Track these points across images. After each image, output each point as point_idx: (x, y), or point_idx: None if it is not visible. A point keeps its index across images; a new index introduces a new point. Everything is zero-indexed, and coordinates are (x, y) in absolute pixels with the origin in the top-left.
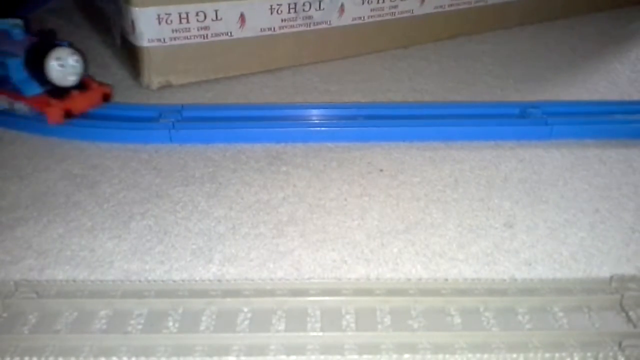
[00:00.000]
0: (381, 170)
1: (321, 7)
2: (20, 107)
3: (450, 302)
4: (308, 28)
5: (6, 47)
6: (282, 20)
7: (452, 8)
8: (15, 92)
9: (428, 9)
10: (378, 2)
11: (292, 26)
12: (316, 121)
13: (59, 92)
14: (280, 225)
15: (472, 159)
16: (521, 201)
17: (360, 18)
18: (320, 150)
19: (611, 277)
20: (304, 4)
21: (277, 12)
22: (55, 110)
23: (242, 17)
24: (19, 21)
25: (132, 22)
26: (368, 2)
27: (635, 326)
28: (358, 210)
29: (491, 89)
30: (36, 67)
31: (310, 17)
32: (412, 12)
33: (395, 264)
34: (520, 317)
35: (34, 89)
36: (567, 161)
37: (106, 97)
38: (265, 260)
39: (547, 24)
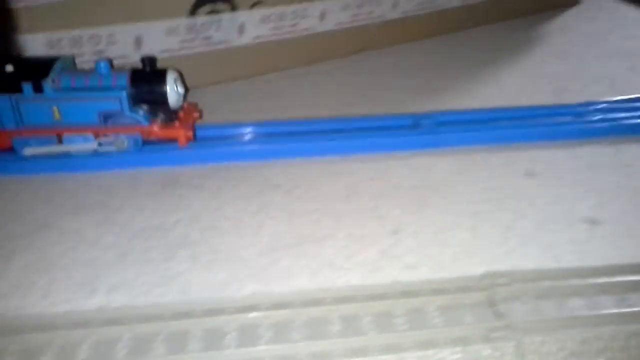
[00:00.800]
0: (277, 187)
1: (220, 27)
2: (123, 141)
3: (332, 310)
4: (208, 49)
5: (101, 83)
6: (180, 42)
7: (353, 24)
8: (120, 126)
9: (329, 25)
10: (278, 20)
11: (191, 47)
12: (214, 142)
13: (170, 117)
14: (171, 249)
15: (366, 171)
16: (409, 208)
17: (261, 37)
18: (218, 171)
19: (483, 274)
20: (202, 25)
21: (175, 34)
22: (185, 133)
23: (138, 41)
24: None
25: (20, 49)
26: (268, 21)
27: (503, 319)
28: (252, 228)
29: (389, 101)
30: (150, 94)
31: (209, 38)
32: (313, 30)
33: (284, 279)
34: (397, 320)
35: (145, 118)
36: (454, 167)
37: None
38: (153, 286)
39: (446, 36)
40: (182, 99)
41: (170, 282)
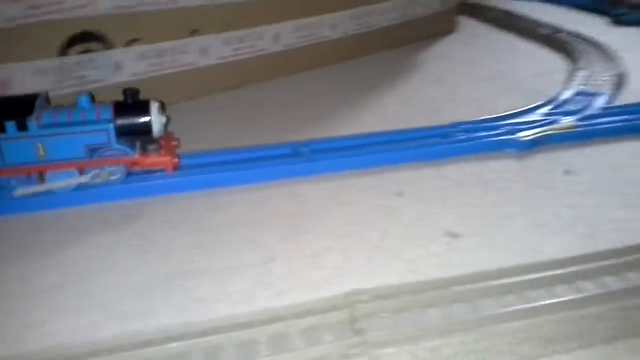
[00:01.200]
0: (151, 225)
1: (95, 66)
2: (116, 171)
3: (196, 344)
4: (81, 88)
5: (84, 118)
6: (51, 82)
7: (235, 58)
8: (106, 159)
9: (210, 60)
10: (157, 57)
11: (62, 87)
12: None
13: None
14: (34, 294)
15: (243, 202)
16: (285, 235)
17: (138, 74)
18: (81, 214)
19: (346, 293)
20: (74, 64)
21: (44, 74)
22: (171, 161)
23: (4, 83)
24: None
25: None
26: (146, 57)
27: (361, 335)
28: (124, 265)
29: (271, 132)
30: (135, 126)
31: (83, 77)
32: (195, 65)
33: (154, 315)
34: (260, 346)
35: (130, 149)
36: (329, 192)
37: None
38: (16, 334)
39: (328, 67)
40: (163, 128)
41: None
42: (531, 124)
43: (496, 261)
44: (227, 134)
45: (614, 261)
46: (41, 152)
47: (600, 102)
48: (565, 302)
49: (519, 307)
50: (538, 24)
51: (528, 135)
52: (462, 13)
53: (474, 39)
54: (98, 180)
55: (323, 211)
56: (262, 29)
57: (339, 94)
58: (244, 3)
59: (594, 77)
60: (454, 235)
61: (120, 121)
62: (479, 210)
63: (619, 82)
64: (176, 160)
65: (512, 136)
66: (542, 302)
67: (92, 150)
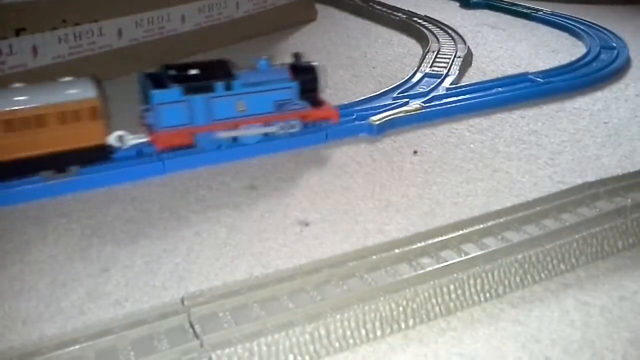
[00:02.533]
0: None
1: None
2: (295, 124)
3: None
4: None
5: (269, 77)
6: None
7: (73, 57)
8: (288, 112)
9: (46, 60)
10: None
11: None
12: None
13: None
14: None
15: (80, 210)
16: (123, 242)
17: None
18: None
19: (183, 297)
20: None
21: None
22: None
23: None
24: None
25: None
26: None
27: (197, 338)
28: None
29: (114, 131)
30: (311, 84)
31: None
32: (26, 67)
33: None
34: None
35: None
36: (176, 192)
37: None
38: None
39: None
40: None
41: None
42: (382, 108)
43: (343, 246)
44: None
45: (451, 235)
46: (241, 108)
47: (446, 83)
48: (406, 279)
49: (362, 290)
50: (393, 10)
51: (378, 120)
52: (321, 1)
53: (331, 27)
54: (282, 132)
55: (168, 213)
56: (102, 24)
57: None
58: None
59: (442, 59)
60: (305, 224)
61: (301, 79)
62: (331, 196)
63: (465, 62)
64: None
65: (364, 121)
66: (383, 283)
67: (280, 106)
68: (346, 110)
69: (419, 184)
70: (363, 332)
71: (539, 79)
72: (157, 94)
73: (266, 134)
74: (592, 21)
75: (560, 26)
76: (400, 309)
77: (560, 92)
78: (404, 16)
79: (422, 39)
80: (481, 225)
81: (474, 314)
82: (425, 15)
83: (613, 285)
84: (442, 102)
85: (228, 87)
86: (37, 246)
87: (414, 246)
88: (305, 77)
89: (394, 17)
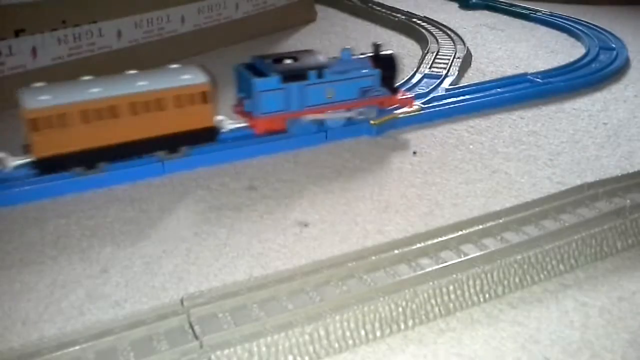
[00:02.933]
0: None
1: None
2: (373, 110)
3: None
4: None
5: (354, 66)
6: None
7: (73, 58)
8: (370, 99)
9: (45, 62)
10: None
11: None
12: None
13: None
14: None
15: (80, 211)
16: (123, 243)
17: None
18: None
19: (183, 298)
20: None
21: None
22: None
23: None
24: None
25: None
26: None
27: (197, 339)
28: None
29: None
30: (391, 72)
31: None
32: (25, 68)
33: None
34: None
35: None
36: (175, 193)
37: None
38: None
39: (181, 62)
40: None
41: None
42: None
43: (342, 247)
44: None
45: (450, 236)
46: (330, 95)
47: (446, 84)
48: (405, 280)
49: (361, 290)
50: (393, 11)
51: (378, 121)
52: (320, 2)
53: (331, 28)
54: (361, 117)
55: (167, 214)
56: (102, 25)
57: None
58: None
59: (441, 60)
60: (304, 225)
61: (381, 68)
62: (330, 197)
63: (464, 63)
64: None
65: (363, 122)
66: (383, 283)
67: (363, 92)
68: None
69: (418, 184)
70: (362, 332)
71: (538, 80)
72: (259, 82)
73: (349, 119)
74: (591, 22)
75: (559, 27)
76: (400, 309)
77: (560, 92)
78: (403, 17)
79: (421, 40)
80: (480, 226)
81: (473, 315)
82: (425, 16)
83: (612, 286)
84: (441, 102)
85: (320, 75)
86: (36, 247)
87: (413, 247)
88: (385, 65)
89: (393, 18)
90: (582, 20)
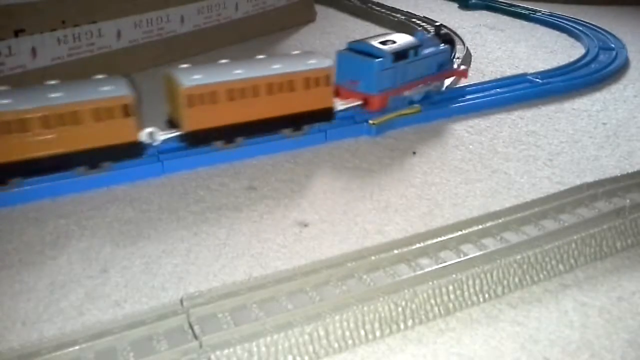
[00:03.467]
0: None
1: None
2: (441, 84)
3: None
4: None
5: (433, 43)
6: None
7: (72, 58)
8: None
9: (45, 62)
10: None
11: None
12: None
13: None
14: None
15: (79, 211)
16: (122, 243)
17: None
18: None
19: (182, 298)
20: None
21: None
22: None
23: None
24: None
25: None
26: None
27: (196, 339)
28: None
29: None
30: (453, 49)
31: None
32: (25, 68)
33: None
34: None
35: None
36: (175, 193)
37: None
38: None
39: (180, 62)
40: None
41: None
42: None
43: (342, 246)
44: None
45: (450, 236)
46: (419, 71)
47: (445, 84)
48: (405, 280)
49: (361, 290)
50: (392, 11)
51: (378, 121)
52: (320, 2)
53: (331, 28)
54: (434, 90)
55: (167, 214)
56: (102, 25)
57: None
58: None
59: None
60: (304, 225)
61: (449, 44)
62: (330, 197)
63: (464, 63)
64: None
65: (363, 122)
66: (382, 283)
67: (438, 67)
68: (345, 111)
69: (417, 184)
70: (362, 332)
71: (537, 80)
72: (377, 63)
73: (427, 92)
74: (590, 22)
75: (558, 27)
76: (399, 309)
77: (559, 93)
78: (403, 17)
79: None
80: (480, 226)
81: (472, 315)
82: (424, 16)
83: (611, 286)
84: (441, 103)
85: (416, 54)
86: (36, 247)
87: (413, 247)
88: (448, 43)
89: (392, 18)
90: (581, 21)
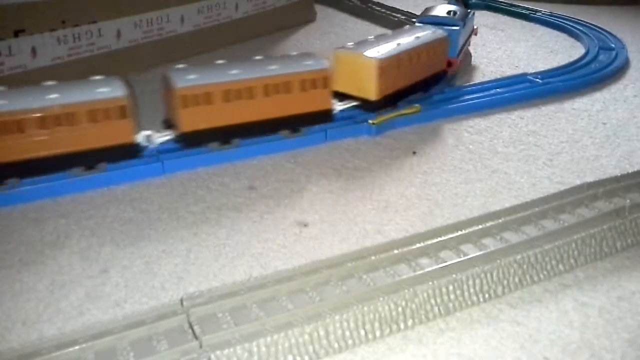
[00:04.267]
0: None
1: None
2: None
3: None
4: None
5: (465, 12)
6: None
7: (72, 58)
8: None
9: (44, 62)
10: None
11: None
12: None
13: None
14: None
15: (79, 211)
16: (122, 242)
17: None
18: None
19: (182, 298)
20: None
21: None
22: None
23: None
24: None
25: None
26: None
27: (196, 339)
28: None
29: None
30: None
31: None
32: (25, 68)
33: None
34: None
35: None
36: (175, 193)
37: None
38: None
39: (180, 62)
40: None
41: None
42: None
43: (342, 246)
44: None
45: (450, 236)
46: (463, 38)
47: (445, 84)
48: (405, 280)
49: (361, 290)
50: (392, 11)
51: (378, 121)
52: (320, 2)
53: (331, 28)
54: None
55: (167, 214)
56: (101, 25)
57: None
58: None
59: None
60: (304, 225)
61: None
62: (330, 197)
63: (464, 63)
64: None
65: (363, 122)
66: (382, 283)
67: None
68: (345, 111)
69: (417, 184)
70: (362, 332)
71: (537, 80)
72: (455, 30)
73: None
74: (590, 22)
75: (558, 27)
76: (399, 309)
77: (559, 92)
78: (403, 17)
79: None
80: (480, 226)
81: (472, 315)
82: None
83: (611, 286)
84: (441, 102)
85: (464, 24)
86: (36, 247)
87: (413, 247)
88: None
89: (392, 18)
90: (582, 21)
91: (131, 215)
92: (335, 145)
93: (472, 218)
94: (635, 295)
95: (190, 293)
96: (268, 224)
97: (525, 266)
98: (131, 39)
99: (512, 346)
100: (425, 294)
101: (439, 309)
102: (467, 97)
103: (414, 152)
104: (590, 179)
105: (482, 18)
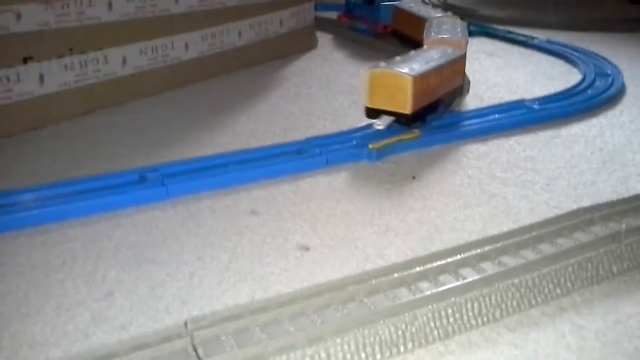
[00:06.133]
0: None
1: None
2: None
3: None
4: None
5: None
6: None
7: (79, 84)
8: None
9: (52, 88)
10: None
11: None
12: None
13: None
14: None
15: (85, 235)
16: (127, 266)
17: None
18: None
19: (186, 321)
20: None
21: None
22: None
23: None
24: None
25: None
26: None
27: None
28: None
29: (118, 158)
30: None
31: None
32: (33, 94)
33: None
34: None
35: None
36: (180, 217)
37: None
38: None
39: (183, 89)
40: None
41: None
42: (381, 134)
43: (343, 270)
44: (69, 164)
45: (449, 260)
46: None
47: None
48: (405, 303)
49: (362, 313)
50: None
51: (378, 146)
52: (321, 29)
53: (331, 54)
54: None
55: (171, 238)
56: (108, 52)
57: (191, 116)
58: (84, 26)
59: None
60: (305, 249)
61: None
62: (331, 221)
63: (462, 89)
64: None
65: (363, 147)
66: (383, 306)
67: None
68: (346, 136)
69: (417, 209)
70: (363, 355)
71: (535, 106)
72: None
73: None
74: (587, 48)
75: (556, 53)
76: (399, 332)
77: (556, 118)
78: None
79: None
80: (478, 250)
81: (471, 338)
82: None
83: (608, 310)
84: (440, 128)
85: None
86: (42, 270)
87: (413, 270)
88: None
89: (392, 43)
90: (578, 47)
91: (136, 239)
92: (336, 170)
93: (470, 242)
94: (631, 319)
95: (194, 316)
96: (270, 248)
97: (523, 290)
98: (136, 65)
99: None
100: (424, 317)
101: (438, 332)
102: (466, 122)
103: (414, 177)
104: (586, 203)
105: (480, 45)
